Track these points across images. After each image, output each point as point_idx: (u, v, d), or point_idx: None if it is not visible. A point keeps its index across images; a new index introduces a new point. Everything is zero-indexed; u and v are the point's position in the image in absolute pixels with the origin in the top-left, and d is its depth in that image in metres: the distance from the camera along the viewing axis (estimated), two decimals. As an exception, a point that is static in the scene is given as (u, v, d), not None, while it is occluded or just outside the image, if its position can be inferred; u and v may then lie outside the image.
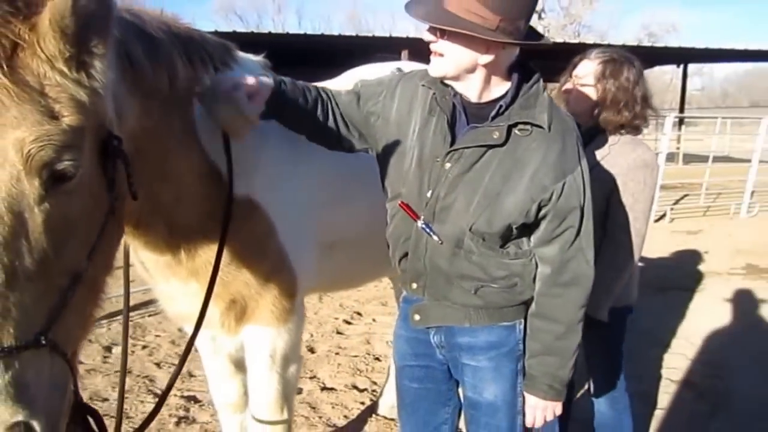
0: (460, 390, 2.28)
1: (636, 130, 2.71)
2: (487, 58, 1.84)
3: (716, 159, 15.91)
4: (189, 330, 2.70)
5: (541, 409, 2.09)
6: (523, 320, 2.08)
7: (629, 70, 2.65)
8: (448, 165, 1.91)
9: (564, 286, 1.98)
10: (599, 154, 2.69)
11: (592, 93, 2.66)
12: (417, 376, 2.25)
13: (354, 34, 20.24)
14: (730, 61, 29.10)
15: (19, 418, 1.18)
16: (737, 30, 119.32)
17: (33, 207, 1.24)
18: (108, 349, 5.13)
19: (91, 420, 1.59)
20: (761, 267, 8.02)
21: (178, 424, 3.94)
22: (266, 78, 2.06)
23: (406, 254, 2.06)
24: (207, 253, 2.18)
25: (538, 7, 49.23)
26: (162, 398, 2.12)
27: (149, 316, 5.92)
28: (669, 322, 5.86)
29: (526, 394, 2.10)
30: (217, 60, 2.12)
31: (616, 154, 2.67)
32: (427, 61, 2.01)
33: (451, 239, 1.94)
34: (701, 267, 8.04)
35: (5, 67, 1.23)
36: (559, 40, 25.29)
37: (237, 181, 2.17)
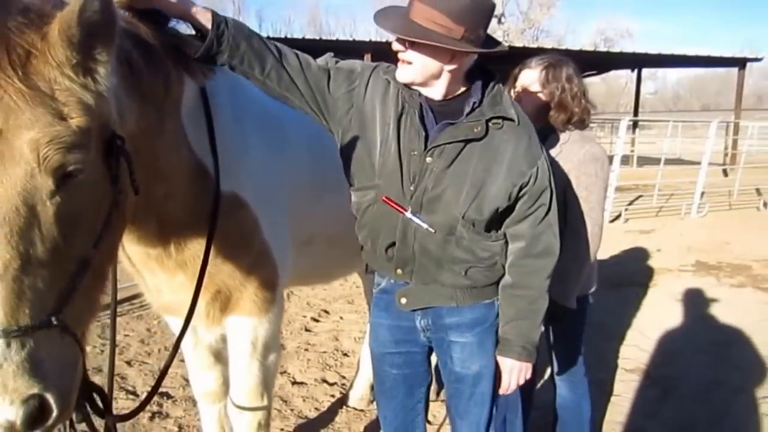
0: (441, 369, 2.44)
1: (582, 123, 2.89)
2: (452, 65, 2.01)
3: (668, 161, 16.40)
4: (172, 322, 2.83)
5: (516, 371, 2.27)
6: (498, 297, 2.27)
7: (567, 71, 2.84)
8: (429, 159, 2.05)
9: (536, 257, 2.18)
10: (552, 152, 2.84)
11: (540, 98, 2.84)
12: (397, 362, 2.39)
13: (317, 37, 20.35)
14: (681, 66, 29.94)
15: (35, 391, 1.29)
16: (688, 37, 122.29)
17: (45, 200, 1.36)
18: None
19: (96, 397, 1.73)
20: (710, 264, 8.31)
21: (152, 419, 4.01)
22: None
23: (393, 243, 2.18)
24: (195, 246, 2.29)
25: (498, 12, 50.15)
26: (160, 378, 2.30)
27: (118, 316, 5.95)
28: (623, 315, 6.07)
29: (502, 359, 2.27)
30: (205, 68, 2.22)
31: (568, 152, 2.85)
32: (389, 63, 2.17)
33: (444, 227, 2.09)
34: (654, 264, 8.28)
35: (20, 73, 1.35)
36: (519, 44, 25.73)
37: (223, 178, 2.28)
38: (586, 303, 3.10)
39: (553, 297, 2.34)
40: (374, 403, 3.71)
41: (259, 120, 2.53)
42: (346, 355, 5.17)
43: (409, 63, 2.03)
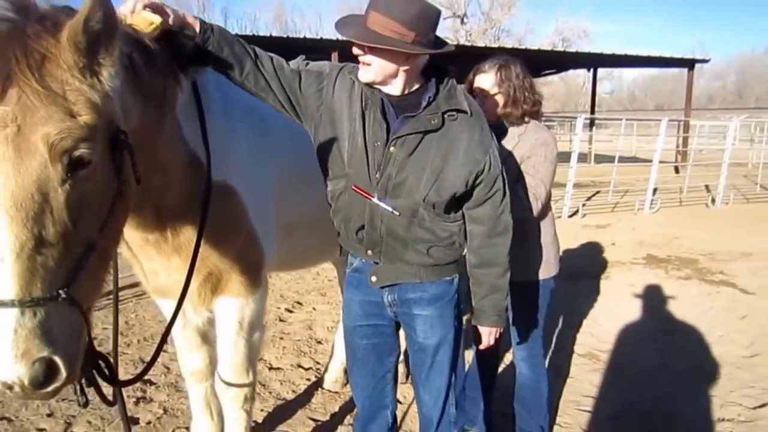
0: (405, 342, 2.72)
1: (537, 114, 3.23)
2: (407, 66, 2.27)
3: (623, 159, 16.95)
4: (164, 305, 3.04)
5: (492, 334, 2.64)
6: (457, 275, 2.57)
7: (515, 69, 3.16)
8: (392, 149, 2.31)
9: (499, 236, 2.49)
10: (511, 144, 3.17)
11: (497, 98, 3.16)
12: (367, 333, 2.64)
13: (285, 35, 20.38)
14: (634, 66, 30.56)
15: (44, 354, 1.49)
16: (644, 38, 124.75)
17: (57, 188, 1.55)
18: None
19: (102, 364, 1.91)
20: (660, 257, 8.73)
21: (137, 403, 4.17)
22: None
23: (363, 226, 2.43)
24: (189, 231, 2.49)
25: (461, 12, 50.62)
26: (158, 349, 2.49)
27: (96, 310, 6.10)
28: (578, 305, 6.39)
29: (481, 327, 2.63)
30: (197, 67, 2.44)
31: (524, 141, 3.17)
32: (355, 62, 2.39)
33: (407, 210, 2.35)
34: (608, 257, 8.64)
35: (36, 75, 1.56)
36: (481, 43, 26.11)
37: (214, 168, 2.47)
38: (549, 285, 3.38)
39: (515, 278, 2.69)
40: (348, 385, 3.99)
41: (246, 114, 2.73)
42: (319, 342, 5.39)
43: (369, 65, 2.27)
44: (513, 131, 3.20)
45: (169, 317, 3.06)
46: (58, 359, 1.52)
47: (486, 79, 3.17)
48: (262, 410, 4.11)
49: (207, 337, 3.18)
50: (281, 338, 5.40)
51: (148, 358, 4.80)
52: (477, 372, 3.68)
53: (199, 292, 2.71)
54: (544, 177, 3.15)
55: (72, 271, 1.59)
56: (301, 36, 19.29)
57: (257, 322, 2.91)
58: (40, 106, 1.53)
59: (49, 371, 1.50)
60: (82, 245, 1.63)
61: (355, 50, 2.29)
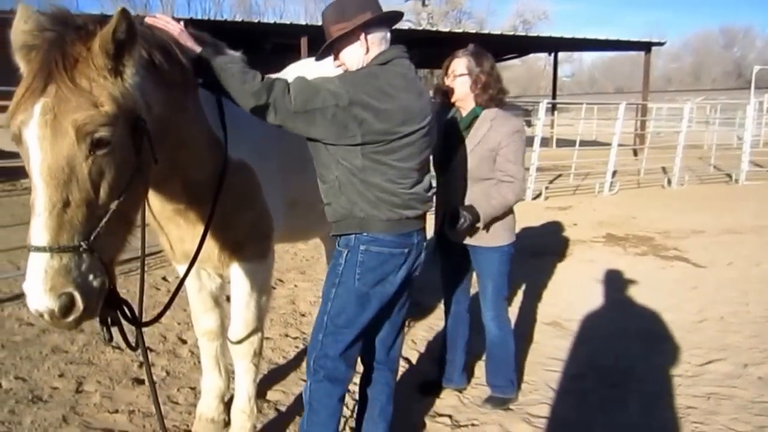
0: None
1: (502, 102, 3.73)
2: (366, 53, 2.73)
3: (584, 143, 17.55)
4: (182, 269, 3.42)
5: None
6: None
7: (486, 60, 3.70)
8: None
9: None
10: (485, 127, 3.67)
11: (467, 81, 3.67)
12: None
13: (256, 20, 20.47)
14: (593, 49, 31.19)
15: (69, 289, 1.93)
16: (602, 17, 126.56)
17: (82, 162, 1.99)
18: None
19: (125, 308, 2.33)
20: (618, 236, 9.31)
21: (140, 367, 4.54)
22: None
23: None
24: (210, 201, 2.88)
25: (422, -4, 50.71)
26: (177, 289, 2.95)
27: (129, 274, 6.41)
28: (543, 279, 6.91)
29: None
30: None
31: (498, 126, 3.65)
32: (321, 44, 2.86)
33: None
34: (569, 236, 9.20)
35: (70, 74, 2.02)
36: (443, 27, 26.45)
37: (233, 148, 2.92)
38: (509, 251, 3.84)
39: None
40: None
41: None
42: (303, 315, 5.82)
43: (343, 64, 2.81)
44: (486, 115, 3.68)
45: (188, 285, 3.46)
46: (77, 295, 1.94)
47: (459, 64, 3.69)
48: (257, 375, 4.49)
49: (218, 300, 3.62)
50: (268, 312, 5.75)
51: (145, 329, 5.17)
52: (451, 335, 4.16)
53: (219, 256, 3.12)
54: (518, 158, 3.68)
55: (93, 229, 2.00)
56: (271, 21, 19.42)
57: (266, 286, 3.36)
58: (72, 98, 1.99)
59: (70, 304, 1.92)
60: (102, 209, 2.04)
61: (335, 63, 2.86)
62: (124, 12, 2.01)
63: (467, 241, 3.76)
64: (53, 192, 1.92)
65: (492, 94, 3.65)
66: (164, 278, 6.84)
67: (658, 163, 15.80)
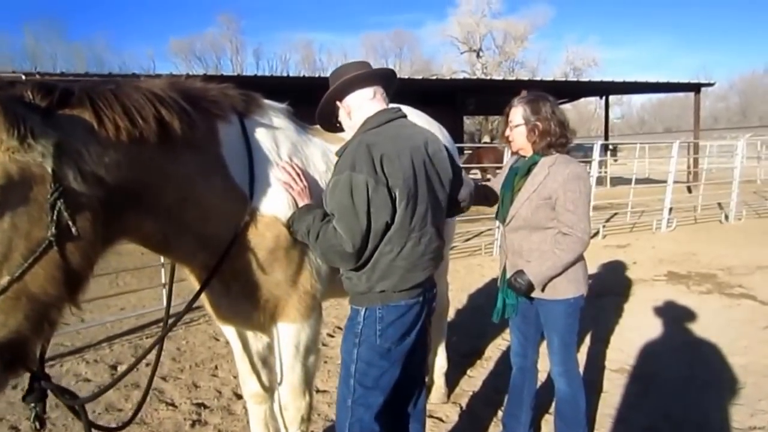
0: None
1: (563, 147, 3.26)
2: (350, 118, 2.66)
3: (638, 181, 16.78)
4: (226, 330, 3.09)
5: None
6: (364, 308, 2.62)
7: (545, 105, 3.24)
8: None
9: None
10: (542, 174, 3.22)
11: (523, 131, 3.26)
12: None
13: (316, 75, 20.76)
14: (643, 92, 30.60)
15: None
16: (650, 62, 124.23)
17: None
18: (114, 367, 5.38)
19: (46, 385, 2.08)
20: (680, 274, 8.58)
21: (193, 426, 4.22)
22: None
23: None
24: (243, 259, 2.55)
25: (476, 46, 50.92)
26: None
27: (147, 338, 6.18)
28: (606, 322, 6.31)
29: None
30: (239, 106, 2.61)
31: (555, 173, 3.19)
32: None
33: None
34: (630, 275, 8.51)
35: None
36: (497, 75, 26.23)
37: (265, 202, 2.59)
38: (579, 304, 3.34)
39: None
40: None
41: (294, 152, 2.82)
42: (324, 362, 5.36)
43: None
44: (544, 162, 3.24)
45: (232, 343, 3.12)
46: None
47: (515, 114, 3.29)
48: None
49: (266, 361, 3.21)
50: (325, 362, 5.37)
51: (201, 383, 4.92)
52: (516, 390, 3.65)
53: (258, 318, 2.75)
54: (585, 210, 3.17)
55: None
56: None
57: (313, 346, 2.92)
58: None
59: None
60: None
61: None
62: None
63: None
64: None
65: (550, 141, 3.20)
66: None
67: (712, 199, 14.87)
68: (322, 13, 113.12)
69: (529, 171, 3.28)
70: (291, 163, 2.72)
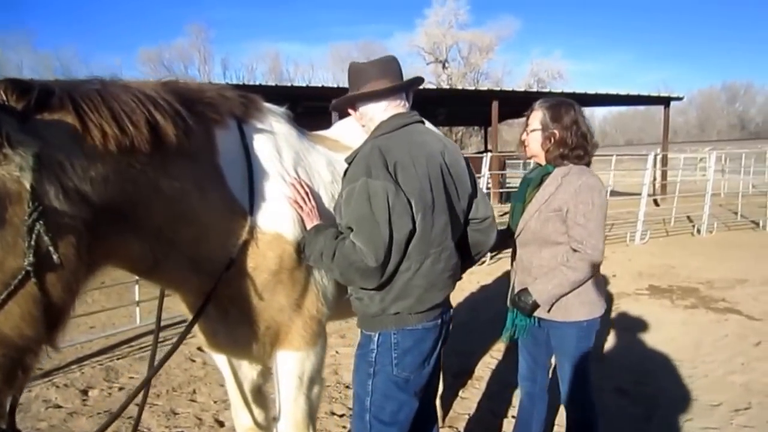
0: None
1: (579, 159, 2.99)
2: (360, 121, 2.49)
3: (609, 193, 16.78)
4: (218, 360, 2.77)
5: None
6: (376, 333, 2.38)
7: (567, 113, 2.99)
8: None
9: None
10: (553, 185, 2.98)
11: (539, 137, 3.02)
12: None
13: (288, 84, 20.51)
14: (610, 104, 30.93)
15: None
16: (613, 76, 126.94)
17: None
18: (84, 392, 4.99)
19: None
20: (662, 287, 8.49)
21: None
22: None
23: None
24: (241, 282, 2.27)
25: (442, 57, 51.16)
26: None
27: (118, 359, 5.78)
28: (597, 339, 6.04)
29: None
30: (237, 111, 2.33)
31: (567, 183, 2.94)
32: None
33: None
34: (611, 289, 8.35)
35: None
36: (460, 86, 26.22)
37: (267, 218, 2.30)
38: (594, 326, 3.11)
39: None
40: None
41: (297, 162, 2.56)
42: (348, 387, 5.02)
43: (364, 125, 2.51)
44: (557, 172, 3.01)
45: (223, 370, 2.82)
46: None
47: (534, 118, 3.07)
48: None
49: (261, 391, 2.91)
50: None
51: (179, 409, 4.58)
52: (524, 417, 3.41)
53: (258, 344, 2.45)
54: (598, 224, 2.91)
55: None
56: (303, 85, 19.41)
57: (317, 376, 2.64)
58: None
59: None
60: None
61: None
62: None
63: (538, 313, 3.06)
64: None
65: (564, 152, 2.96)
66: (199, 348, 5.82)
67: (682, 211, 14.95)
68: (290, 24, 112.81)
69: (541, 182, 3.06)
70: (299, 180, 2.45)
